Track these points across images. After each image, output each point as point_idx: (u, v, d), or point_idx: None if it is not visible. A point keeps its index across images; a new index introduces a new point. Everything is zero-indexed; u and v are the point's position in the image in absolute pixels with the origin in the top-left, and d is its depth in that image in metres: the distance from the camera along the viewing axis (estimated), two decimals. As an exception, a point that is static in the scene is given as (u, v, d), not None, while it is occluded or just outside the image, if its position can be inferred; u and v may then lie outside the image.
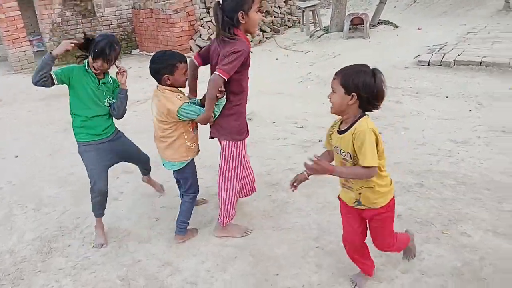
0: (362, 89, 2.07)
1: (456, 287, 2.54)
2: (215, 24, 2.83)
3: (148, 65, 2.93)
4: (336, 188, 3.62)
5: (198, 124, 3.03)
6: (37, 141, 5.54)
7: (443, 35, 8.36)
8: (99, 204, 3.22)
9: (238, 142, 2.98)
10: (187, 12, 10.14)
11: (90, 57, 2.96)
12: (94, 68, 2.97)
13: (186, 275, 2.83)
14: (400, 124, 4.79)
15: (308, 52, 8.82)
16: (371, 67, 2.13)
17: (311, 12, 11.01)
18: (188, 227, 3.21)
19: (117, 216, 3.59)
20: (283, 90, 6.43)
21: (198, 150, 3.13)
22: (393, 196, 2.35)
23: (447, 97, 5.50)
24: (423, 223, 3.12)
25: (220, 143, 3.04)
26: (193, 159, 3.10)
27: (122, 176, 4.28)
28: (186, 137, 2.97)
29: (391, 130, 4.69)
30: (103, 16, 11.47)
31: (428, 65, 6.63)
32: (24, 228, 3.54)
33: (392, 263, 2.77)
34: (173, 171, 3.12)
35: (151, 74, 2.90)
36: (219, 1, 2.77)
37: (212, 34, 10.25)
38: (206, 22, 10.35)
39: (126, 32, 11.66)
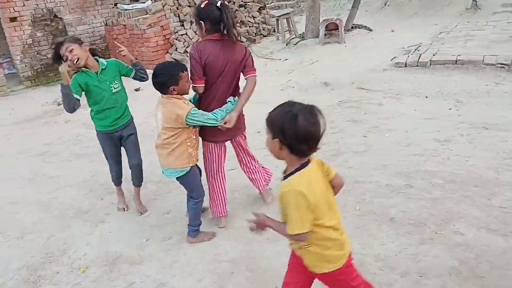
0: (280, 133, 1.77)
1: (455, 286, 2.54)
2: (230, 26, 2.93)
3: (150, 80, 3.04)
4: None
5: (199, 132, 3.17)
6: (16, 166, 5.37)
7: (417, 36, 8.50)
8: (116, 176, 3.81)
9: None
10: (162, 26, 10.07)
11: (69, 60, 3.21)
12: (78, 59, 3.21)
13: (182, 295, 2.76)
14: (384, 126, 4.82)
15: (286, 59, 8.84)
16: (298, 107, 1.78)
17: (285, 20, 11.07)
18: (201, 230, 3.29)
19: (105, 239, 3.48)
20: (265, 99, 6.38)
21: (197, 159, 3.14)
22: (343, 266, 1.96)
23: (426, 97, 5.57)
24: (417, 225, 3.12)
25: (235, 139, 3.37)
26: (196, 165, 3.14)
27: (107, 197, 4.18)
28: (188, 143, 3.00)
29: (376, 132, 4.71)
30: (75, 35, 11.30)
31: (405, 66, 6.72)
32: (8, 258, 3.40)
33: (389, 267, 2.75)
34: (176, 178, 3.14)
35: (156, 88, 2.94)
36: (227, 4, 2.94)
37: (188, 46, 10.20)
38: (182, 35, 10.31)
39: (99, 49, 11.50)
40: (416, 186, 3.61)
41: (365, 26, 10.12)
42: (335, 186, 1.98)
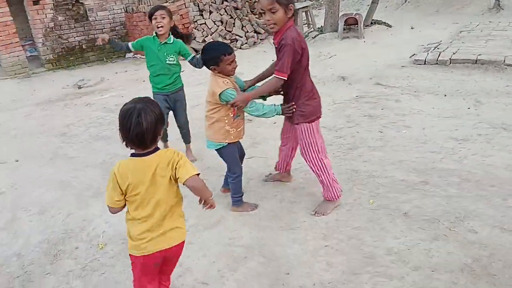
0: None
1: (467, 283, 2.55)
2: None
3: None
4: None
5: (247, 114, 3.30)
6: (37, 146, 5.49)
7: (437, 34, 8.43)
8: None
9: None
10: (181, 15, 10.13)
11: (154, 24, 4.00)
12: (157, 27, 3.98)
13: (197, 275, 2.82)
14: (402, 122, 4.82)
15: (303, 53, 8.83)
16: (135, 103, 2.04)
17: (304, 13, 11.05)
18: (245, 201, 3.52)
19: (123, 219, 3.55)
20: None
21: (240, 137, 3.31)
22: (137, 256, 2.20)
23: (445, 95, 5.55)
24: (431, 221, 3.14)
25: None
26: (234, 143, 3.29)
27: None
28: (226, 121, 3.16)
29: (393, 128, 4.71)
30: (96, 20, 11.41)
31: (425, 63, 6.68)
32: (29, 232, 3.51)
33: (401, 260, 2.78)
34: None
35: (203, 63, 3.20)
36: None
37: (207, 36, 10.24)
38: (200, 24, 10.35)
39: (119, 36, 11.59)
40: (432, 183, 3.62)
41: (385, 22, 10.05)
42: (189, 187, 2.16)
